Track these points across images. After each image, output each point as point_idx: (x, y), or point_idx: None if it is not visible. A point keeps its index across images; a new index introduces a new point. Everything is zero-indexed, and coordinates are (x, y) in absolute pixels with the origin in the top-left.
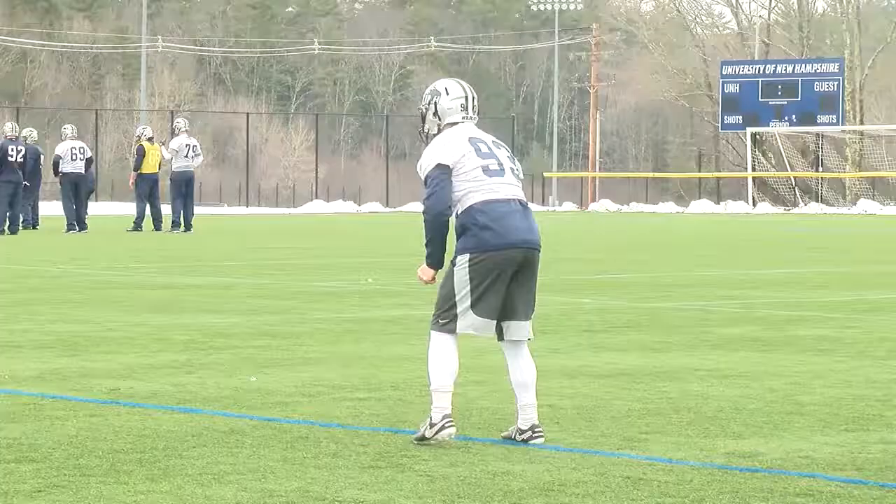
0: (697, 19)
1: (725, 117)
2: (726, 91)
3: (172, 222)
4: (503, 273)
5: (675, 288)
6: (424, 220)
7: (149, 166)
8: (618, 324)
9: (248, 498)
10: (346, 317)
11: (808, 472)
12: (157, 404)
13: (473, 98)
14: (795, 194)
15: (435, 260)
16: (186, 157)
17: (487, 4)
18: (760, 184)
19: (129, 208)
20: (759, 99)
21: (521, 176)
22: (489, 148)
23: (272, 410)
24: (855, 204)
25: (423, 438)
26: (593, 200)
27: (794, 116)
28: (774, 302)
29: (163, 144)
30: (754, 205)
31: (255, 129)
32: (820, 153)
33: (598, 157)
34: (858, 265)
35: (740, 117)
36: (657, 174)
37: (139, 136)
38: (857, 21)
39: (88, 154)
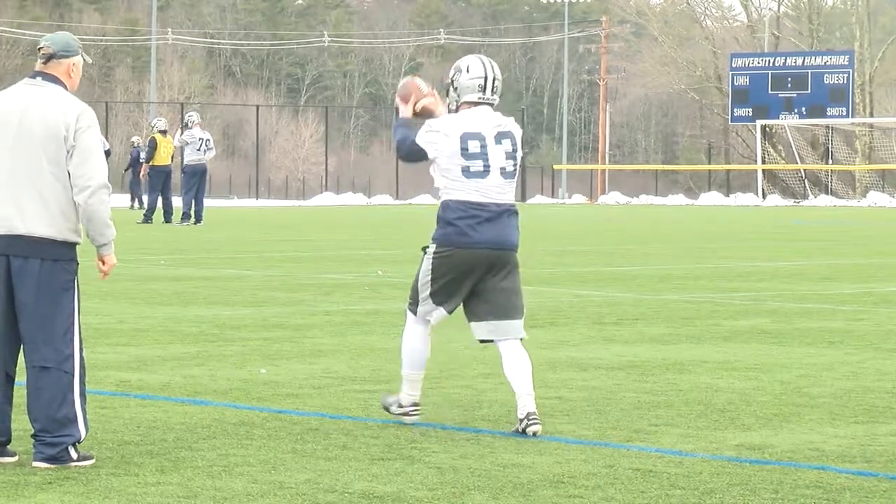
0: (707, 11)
1: (735, 109)
2: (736, 83)
3: (183, 214)
4: (468, 271)
5: (685, 280)
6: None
7: (161, 158)
8: (627, 316)
9: (259, 489)
10: (355, 309)
11: (817, 464)
12: (167, 396)
13: (494, 79)
14: (805, 186)
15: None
16: (199, 150)
17: None
18: (770, 176)
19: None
20: (769, 91)
21: (516, 172)
22: (483, 146)
23: (282, 402)
24: (864, 196)
25: (386, 409)
26: (603, 193)
27: (803, 109)
28: (784, 294)
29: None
30: (764, 197)
31: (265, 122)
32: (830, 145)
33: (607, 150)
34: (868, 257)
35: (750, 110)
36: (667, 166)
37: (152, 128)
38: (867, 13)
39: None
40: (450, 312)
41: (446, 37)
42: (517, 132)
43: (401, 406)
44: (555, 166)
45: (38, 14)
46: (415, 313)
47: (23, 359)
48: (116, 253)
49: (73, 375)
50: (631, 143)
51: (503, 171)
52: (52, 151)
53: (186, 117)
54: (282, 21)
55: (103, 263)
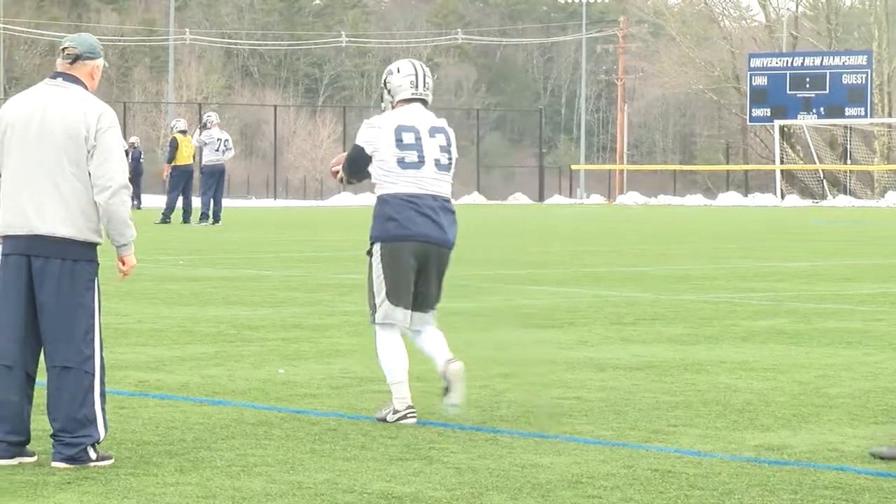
0: (725, 11)
1: (753, 110)
2: (754, 83)
3: (201, 214)
4: (412, 263)
5: (703, 280)
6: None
7: (182, 158)
8: (645, 316)
9: (277, 489)
10: None
11: (836, 464)
12: (185, 396)
13: (425, 76)
14: (823, 187)
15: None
16: (217, 150)
17: None
18: (788, 176)
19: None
20: (787, 91)
21: (452, 165)
22: (417, 138)
23: (300, 402)
24: (883, 196)
25: (383, 420)
26: (621, 193)
27: (822, 109)
28: (802, 295)
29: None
30: (782, 197)
31: (283, 122)
32: (848, 146)
33: (625, 150)
34: (887, 258)
35: (768, 110)
36: (685, 167)
37: (171, 129)
38: (885, 13)
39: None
40: (407, 308)
41: (464, 37)
42: (451, 133)
43: (396, 412)
44: (573, 166)
45: (55, 14)
46: (382, 327)
47: (43, 359)
48: (136, 253)
49: (93, 375)
50: (649, 143)
51: (438, 163)
52: (73, 151)
53: (205, 118)
54: (299, 21)
55: (123, 264)
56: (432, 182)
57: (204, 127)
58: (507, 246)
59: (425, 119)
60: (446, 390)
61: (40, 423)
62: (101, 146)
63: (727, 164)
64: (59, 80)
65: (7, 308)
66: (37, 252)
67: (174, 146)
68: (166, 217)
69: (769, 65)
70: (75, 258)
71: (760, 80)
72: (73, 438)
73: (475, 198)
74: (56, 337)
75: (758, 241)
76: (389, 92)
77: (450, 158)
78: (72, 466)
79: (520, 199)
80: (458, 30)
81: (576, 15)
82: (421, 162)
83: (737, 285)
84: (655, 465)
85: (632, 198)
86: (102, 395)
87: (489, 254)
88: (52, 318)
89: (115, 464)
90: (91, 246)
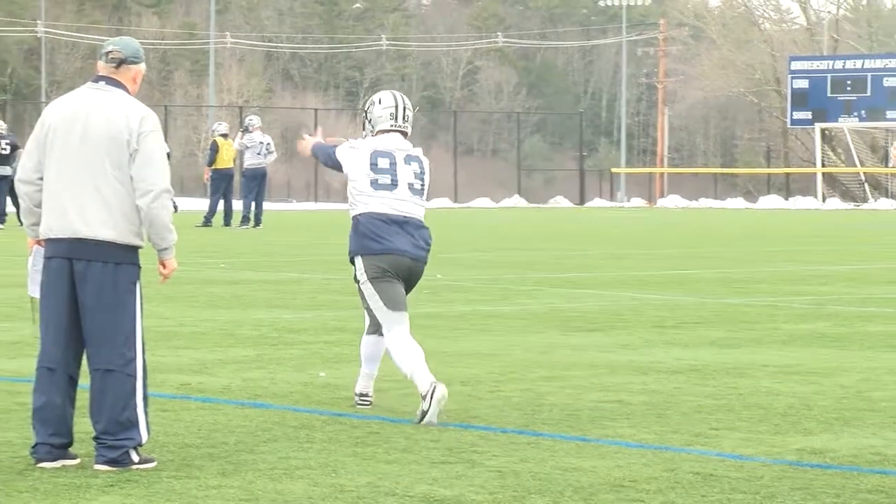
0: (765, 14)
1: (794, 113)
2: (795, 86)
3: (242, 217)
4: (397, 271)
5: (745, 283)
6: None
7: (223, 161)
8: (687, 320)
9: (319, 493)
10: (414, 312)
11: (879, 468)
12: (227, 399)
13: (405, 108)
14: (865, 190)
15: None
16: (259, 154)
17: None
18: (830, 179)
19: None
20: (828, 94)
21: (424, 191)
22: (392, 163)
23: (342, 406)
24: None
25: (424, 414)
26: (662, 196)
27: (863, 112)
28: (845, 298)
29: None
30: (824, 200)
31: (324, 125)
32: (890, 148)
33: (666, 153)
34: None
35: (809, 113)
36: (726, 170)
37: (213, 132)
38: None
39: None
40: (405, 311)
41: (504, 40)
42: (426, 162)
43: (424, 397)
44: (613, 170)
45: (96, 18)
46: (389, 329)
47: (86, 362)
48: (177, 257)
49: (135, 378)
50: (689, 146)
51: (411, 187)
52: (115, 155)
53: (246, 121)
54: (339, 24)
55: (164, 267)
56: (405, 204)
57: (246, 130)
58: (548, 249)
59: (402, 147)
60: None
61: (83, 426)
62: (143, 150)
63: (768, 167)
64: (102, 83)
65: (50, 311)
66: (79, 255)
67: (214, 149)
68: (208, 220)
69: (810, 68)
70: (117, 261)
71: (801, 83)
72: (116, 441)
73: (516, 201)
74: (98, 340)
75: (799, 245)
76: (370, 122)
77: (423, 186)
78: (114, 469)
79: (560, 202)
80: (499, 33)
81: (616, 18)
82: (394, 185)
83: (779, 289)
84: (697, 469)
85: (672, 201)
86: (145, 397)
87: (531, 257)
88: (94, 321)
89: (158, 466)
90: (132, 249)
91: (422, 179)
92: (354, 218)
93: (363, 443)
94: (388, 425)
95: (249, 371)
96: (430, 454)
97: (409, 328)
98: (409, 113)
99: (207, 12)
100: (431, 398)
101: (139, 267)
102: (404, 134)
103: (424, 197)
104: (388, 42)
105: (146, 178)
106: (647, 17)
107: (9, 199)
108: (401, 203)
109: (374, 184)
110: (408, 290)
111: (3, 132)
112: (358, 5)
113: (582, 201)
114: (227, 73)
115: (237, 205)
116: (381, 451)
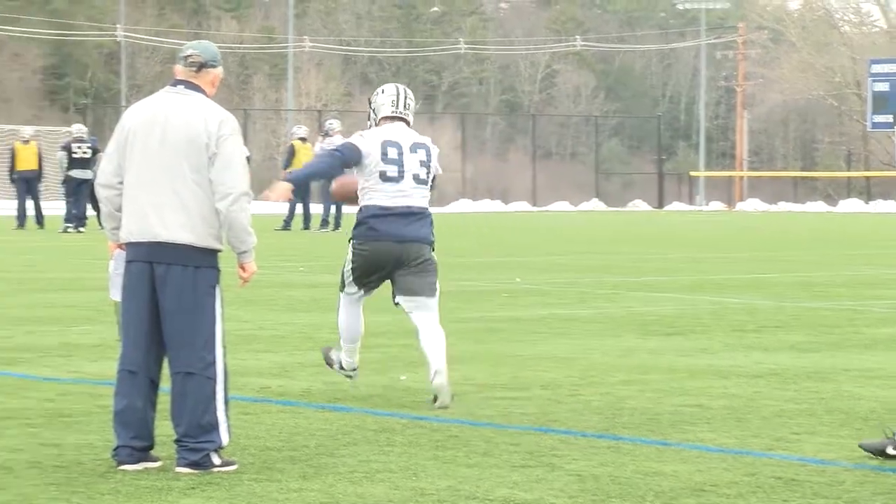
0: (845, 17)
1: (874, 116)
2: (875, 90)
3: (322, 221)
4: (380, 262)
5: (826, 287)
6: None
7: (300, 165)
8: (767, 324)
9: (400, 496)
10: (493, 316)
11: None
12: (308, 402)
13: (406, 96)
14: None
15: (294, 177)
16: None
17: (633, 3)
18: None
19: (277, 207)
20: None
21: (430, 179)
22: (399, 153)
23: (422, 409)
24: None
25: (328, 364)
26: (741, 199)
27: None
28: None
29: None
30: None
31: None
32: None
33: (745, 156)
34: None
35: (890, 116)
36: (805, 173)
37: (291, 135)
38: None
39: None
40: (367, 293)
41: (582, 44)
42: (434, 150)
43: (342, 369)
44: (692, 173)
45: (176, 22)
46: (345, 293)
47: (167, 365)
48: (256, 260)
49: (216, 381)
50: (769, 149)
51: (416, 178)
52: (194, 158)
53: (327, 125)
54: (417, 28)
55: (244, 270)
56: (407, 197)
57: (326, 134)
58: (626, 253)
59: (408, 136)
60: (434, 398)
61: (164, 429)
62: (221, 153)
63: (848, 170)
64: (181, 87)
65: (131, 314)
66: (159, 259)
67: (290, 153)
68: (287, 224)
69: (890, 70)
70: (197, 265)
71: (882, 87)
72: (197, 444)
73: (594, 204)
74: (178, 343)
75: (880, 248)
76: (374, 111)
77: (428, 174)
78: (196, 471)
79: (639, 205)
80: (577, 36)
81: (694, 21)
82: (401, 176)
83: (859, 292)
84: (779, 473)
85: (752, 204)
86: (226, 401)
87: (609, 260)
88: (174, 325)
89: (239, 469)
90: (212, 252)
91: (427, 168)
92: (361, 206)
93: (443, 446)
94: (467, 429)
95: (329, 374)
96: (510, 458)
97: (433, 318)
98: (411, 102)
99: (286, 16)
100: (338, 372)
101: (219, 270)
102: (406, 122)
103: (429, 185)
104: (465, 46)
105: (225, 182)
106: (725, 20)
107: (89, 204)
108: (404, 197)
109: (383, 176)
110: (417, 269)
111: (84, 136)
112: (435, 9)
113: (660, 205)
114: (306, 77)
115: (316, 208)
116: (462, 454)
